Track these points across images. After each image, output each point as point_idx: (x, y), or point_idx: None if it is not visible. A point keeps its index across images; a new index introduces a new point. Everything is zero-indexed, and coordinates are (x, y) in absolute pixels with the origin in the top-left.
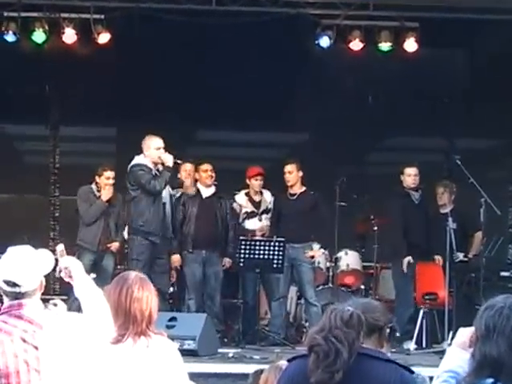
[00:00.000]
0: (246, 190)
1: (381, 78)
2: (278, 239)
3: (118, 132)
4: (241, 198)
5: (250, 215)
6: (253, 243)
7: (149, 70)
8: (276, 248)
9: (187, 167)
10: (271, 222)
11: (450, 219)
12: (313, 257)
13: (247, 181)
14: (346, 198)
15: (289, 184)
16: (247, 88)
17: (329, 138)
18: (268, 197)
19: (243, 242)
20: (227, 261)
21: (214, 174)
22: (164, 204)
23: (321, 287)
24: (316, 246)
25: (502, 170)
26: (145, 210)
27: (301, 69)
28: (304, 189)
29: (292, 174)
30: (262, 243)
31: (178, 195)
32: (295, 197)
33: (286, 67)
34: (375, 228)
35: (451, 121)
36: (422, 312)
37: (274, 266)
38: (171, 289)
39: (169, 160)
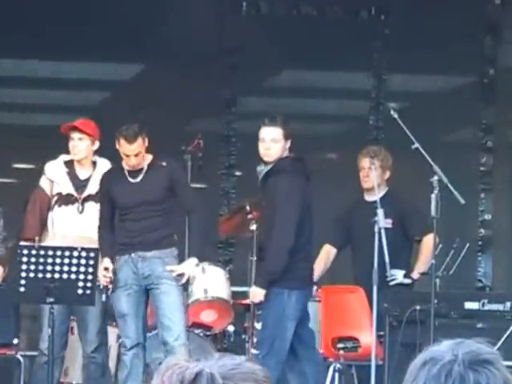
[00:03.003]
0: (68, 157)
1: None
2: (89, 247)
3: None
4: (54, 170)
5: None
6: (42, 253)
7: None
8: (82, 261)
9: None
10: None
11: (381, 212)
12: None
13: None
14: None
15: None
16: None
17: None
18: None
19: (25, 251)
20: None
21: None
22: None
23: None
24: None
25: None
26: None
27: None
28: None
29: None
30: (59, 253)
31: None
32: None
33: None
34: (253, 227)
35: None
36: (332, 368)
37: (79, 292)
38: None
39: None
